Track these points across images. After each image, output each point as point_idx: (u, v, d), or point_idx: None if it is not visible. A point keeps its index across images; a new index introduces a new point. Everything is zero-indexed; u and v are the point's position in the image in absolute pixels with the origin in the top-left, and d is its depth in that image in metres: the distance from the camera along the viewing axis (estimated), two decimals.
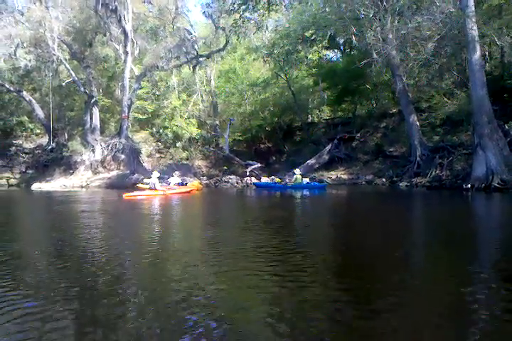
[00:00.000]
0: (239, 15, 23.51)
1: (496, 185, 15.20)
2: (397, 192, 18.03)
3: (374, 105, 30.67)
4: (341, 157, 26.56)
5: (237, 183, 25.15)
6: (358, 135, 28.20)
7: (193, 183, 22.38)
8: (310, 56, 30.10)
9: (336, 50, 36.49)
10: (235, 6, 23.04)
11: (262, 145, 35.17)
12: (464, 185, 16.15)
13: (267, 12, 23.25)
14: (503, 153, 15.96)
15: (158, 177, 18.42)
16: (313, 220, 9.10)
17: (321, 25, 20.37)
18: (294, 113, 33.66)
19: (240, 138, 34.17)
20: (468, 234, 6.75)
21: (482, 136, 16.06)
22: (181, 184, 20.75)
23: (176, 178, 20.86)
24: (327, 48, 34.30)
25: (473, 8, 16.11)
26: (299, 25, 22.06)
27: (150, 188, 17.89)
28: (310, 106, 36.83)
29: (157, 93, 34.91)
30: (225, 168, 30.78)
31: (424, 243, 6.16)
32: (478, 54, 16.11)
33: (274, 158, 33.08)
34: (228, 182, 25.40)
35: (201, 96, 34.95)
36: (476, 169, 16.13)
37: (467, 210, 11.25)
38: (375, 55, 18.91)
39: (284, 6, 24.14)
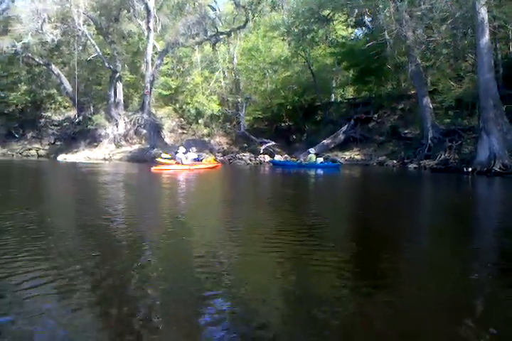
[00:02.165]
0: None
1: (497, 169, 15.24)
2: (402, 173, 18.38)
3: (394, 86, 30.36)
4: (357, 137, 26.67)
5: (250, 160, 25.79)
6: (376, 116, 28.14)
7: (208, 159, 23.12)
8: (331, 35, 29.70)
9: (363, 28, 35.91)
10: None
11: (283, 124, 35.37)
12: (464, 169, 16.28)
13: None
14: (506, 137, 15.96)
15: (178, 153, 19.40)
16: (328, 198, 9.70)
17: (331, 5, 20.27)
18: (318, 92, 33.65)
19: (260, 116, 34.51)
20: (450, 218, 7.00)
21: (487, 120, 16.04)
22: (197, 159, 21.45)
23: (192, 154, 21.56)
24: (353, 26, 33.80)
25: None
26: (308, 5, 22.00)
27: (176, 162, 18.91)
28: (334, 86, 36.71)
29: (182, 69, 35.53)
30: (245, 145, 31.30)
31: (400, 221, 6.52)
32: (486, 37, 15.90)
33: (294, 137, 33.26)
34: (242, 159, 26.06)
35: (223, 73, 35.28)
36: (480, 153, 16.19)
37: (459, 192, 11.52)
38: (387, 36, 18.85)
39: None
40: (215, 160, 24.29)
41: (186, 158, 20.19)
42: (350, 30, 34.34)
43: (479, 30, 16.21)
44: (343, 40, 31.63)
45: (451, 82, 21.90)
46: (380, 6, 19.41)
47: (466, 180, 15.00)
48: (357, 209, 7.91)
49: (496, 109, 16.13)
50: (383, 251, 4.32)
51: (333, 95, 37.02)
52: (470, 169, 16.04)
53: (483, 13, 16.10)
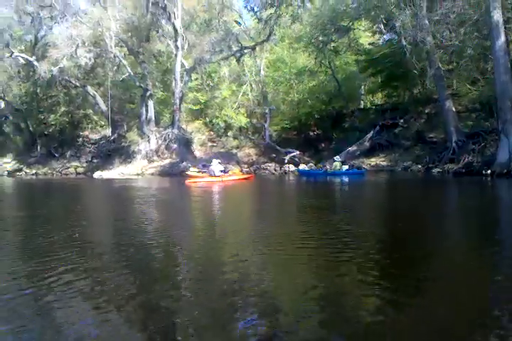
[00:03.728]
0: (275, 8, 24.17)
1: None
2: (424, 179, 18.31)
3: (420, 90, 30.07)
4: (382, 144, 26.55)
5: (276, 170, 26.22)
6: (402, 121, 27.89)
7: (234, 171, 23.68)
8: (354, 43, 29.86)
9: (391, 34, 35.78)
10: None
11: (311, 133, 35.53)
12: (483, 171, 16.08)
13: (302, 4, 23.73)
14: None
15: (211, 165, 20.07)
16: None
17: (345, 16, 20.57)
18: (344, 100, 33.73)
19: (288, 126, 34.85)
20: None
21: (505, 121, 15.83)
22: (223, 172, 22.03)
23: (219, 166, 22.17)
24: (380, 33, 33.77)
25: None
26: (325, 17, 22.36)
27: (210, 175, 19.55)
28: (363, 93, 36.69)
29: (211, 84, 36.47)
30: (274, 155, 31.70)
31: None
32: (502, 39, 15.77)
33: (323, 145, 33.33)
34: (267, 169, 26.53)
35: (250, 85, 35.93)
36: (500, 155, 15.98)
37: (476, 197, 11.35)
38: (403, 42, 18.95)
39: None
40: (241, 171, 24.80)
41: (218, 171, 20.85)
42: (377, 36, 34.38)
43: (494, 32, 16.12)
44: (368, 47, 31.72)
45: (468, 86, 21.59)
46: (396, 14, 19.54)
47: (485, 183, 14.83)
48: (381, 216, 8.16)
49: None
50: (416, 258, 4.54)
51: (362, 102, 36.92)
52: (489, 171, 15.84)
53: (498, 15, 16.02)
